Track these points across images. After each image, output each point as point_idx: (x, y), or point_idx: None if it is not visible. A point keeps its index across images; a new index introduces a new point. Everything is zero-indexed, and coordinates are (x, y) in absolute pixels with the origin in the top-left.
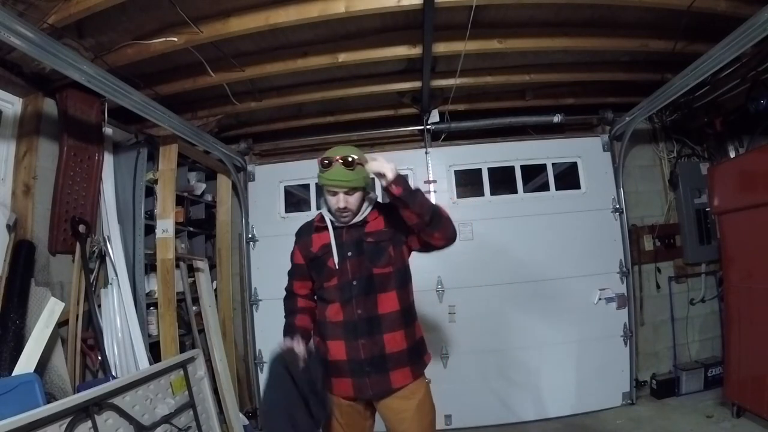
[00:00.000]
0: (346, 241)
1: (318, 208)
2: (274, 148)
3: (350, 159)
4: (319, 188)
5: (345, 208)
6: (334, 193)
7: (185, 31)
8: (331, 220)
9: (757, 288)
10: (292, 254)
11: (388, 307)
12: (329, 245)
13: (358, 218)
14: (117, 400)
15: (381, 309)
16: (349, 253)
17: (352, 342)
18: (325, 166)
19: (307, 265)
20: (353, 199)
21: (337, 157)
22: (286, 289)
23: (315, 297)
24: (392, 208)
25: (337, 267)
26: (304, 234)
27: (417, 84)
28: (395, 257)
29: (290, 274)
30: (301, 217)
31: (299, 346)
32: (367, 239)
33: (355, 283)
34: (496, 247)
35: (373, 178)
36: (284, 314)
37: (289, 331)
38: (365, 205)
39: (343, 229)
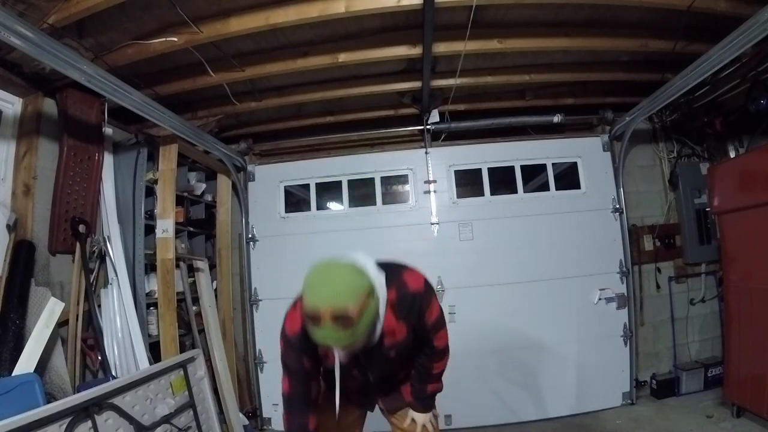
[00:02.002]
0: (364, 360)
1: (319, 208)
2: (274, 148)
3: (343, 315)
4: (320, 187)
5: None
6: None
7: (185, 31)
8: None
9: (757, 288)
10: (296, 361)
11: (404, 373)
12: (346, 364)
13: (374, 341)
14: (117, 400)
15: (398, 377)
16: (371, 367)
17: (366, 395)
18: (313, 322)
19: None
20: (358, 345)
21: (326, 313)
22: (290, 395)
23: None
24: (410, 309)
25: (355, 375)
26: (305, 345)
27: (417, 84)
28: (414, 347)
29: (292, 377)
30: (301, 218)
31: None
32: (390, 353)
33: (372, 380)
34: (496, 247)
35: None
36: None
37: None
38: (378, 325)
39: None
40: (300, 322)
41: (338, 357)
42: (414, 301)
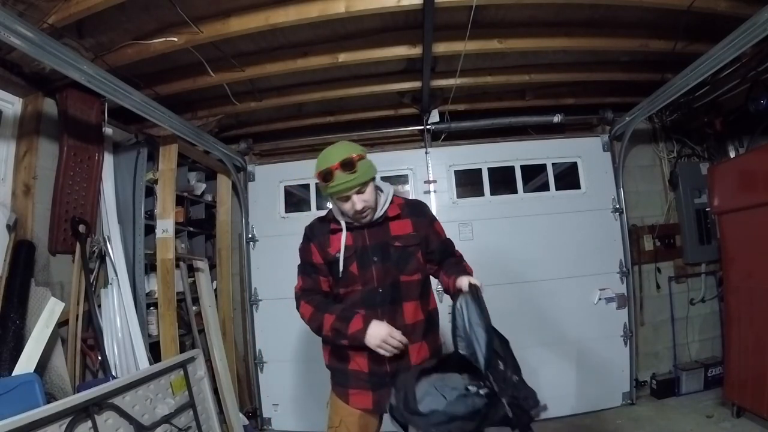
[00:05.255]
0: (370, 244)
1: (319, 207)
2: (274, 148)
3: (348, 160)
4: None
5: (363, 208)
6: (347, 198)
7: (185, 31)
8: (347, 222)
9: (757, 288)
10: (307, 252)
11: (414, 316)
12: (350, 248)
13: (378, 213)
14: (117, 400)
15: (407, 319)
16: (375, 258)
17: (375, 353)
18: (327, 179)
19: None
20: (368, 195)
21: (335, 164)
22: (302, 288)
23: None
24: (418, 211)
25: (358, 273)
26: (319, 233)
27: (417, 84)
28: (423, 264)
29: (305, 272)
30: (301, 218)
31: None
32: (395, 243)
33: (381, 290)
34: (496, 247)
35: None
36: (317, 312)
37: (355, 322)
38: (381, 198)
39: (364, 230)
40: (315, 220)
41: (344, 237)
42: (419, 204)
